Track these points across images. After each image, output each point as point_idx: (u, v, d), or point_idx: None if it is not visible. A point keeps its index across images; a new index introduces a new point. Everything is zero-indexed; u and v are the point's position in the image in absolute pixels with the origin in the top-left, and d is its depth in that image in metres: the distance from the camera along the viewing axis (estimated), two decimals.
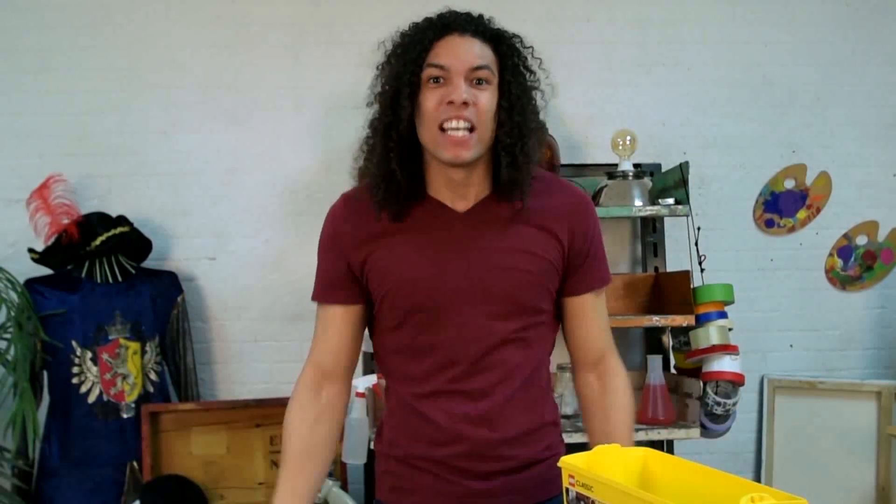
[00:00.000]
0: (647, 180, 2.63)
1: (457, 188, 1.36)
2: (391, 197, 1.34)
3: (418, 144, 1.35)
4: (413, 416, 1.38)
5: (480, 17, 1.35)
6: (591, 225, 1.43)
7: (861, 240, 2.93)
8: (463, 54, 1.28)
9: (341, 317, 1.42)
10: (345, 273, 1.39)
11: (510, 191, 1.36)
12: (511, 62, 1.33)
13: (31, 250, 2.51)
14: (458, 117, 1.27)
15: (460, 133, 1.28)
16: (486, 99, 1.29)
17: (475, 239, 1.35)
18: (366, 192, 1.38)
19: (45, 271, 2.53)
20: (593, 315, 1.45)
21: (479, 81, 1.29)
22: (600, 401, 1.44)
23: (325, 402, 1.44)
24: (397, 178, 1.33)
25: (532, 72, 1.37)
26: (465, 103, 1.26)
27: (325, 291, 1.43)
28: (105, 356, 2.45)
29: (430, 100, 1.28)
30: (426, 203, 1.38)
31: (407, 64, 1.29)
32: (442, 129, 1.28)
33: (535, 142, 1.35)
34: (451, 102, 1.26)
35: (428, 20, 1.33)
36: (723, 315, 2.40)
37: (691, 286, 2.40)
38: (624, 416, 1.41)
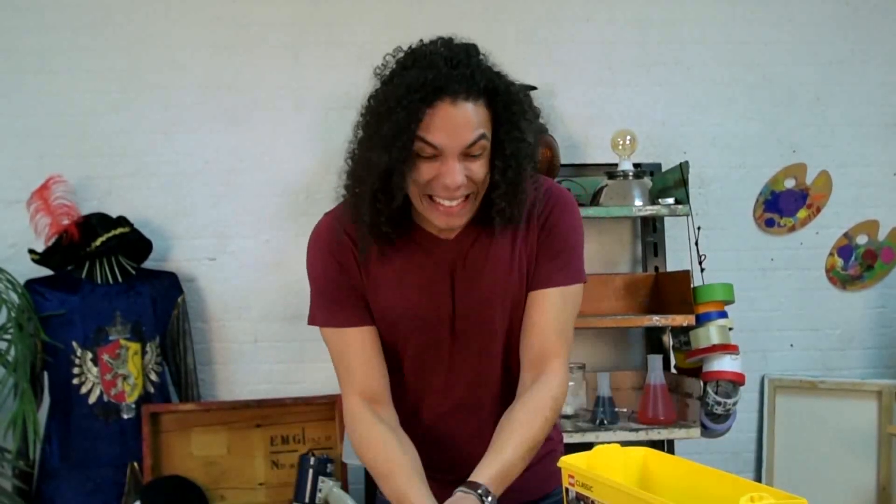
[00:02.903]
0: (647, 180, 2.63)
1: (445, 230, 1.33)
2: (377, 240, 1.31)
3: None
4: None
5: (470, 60, 1.22)
6: (559, 219, 1.36)
7: (861, 239, 2.93)
8: (457, 131, 1.19)
9: (369, 336, 1.35)
10: (353, 289, 1.35)
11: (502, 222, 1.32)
12: (505, 116, 1.25)
13: (31, 251, 2.51)
14: (452, 197, 1.23)
15: (454, 204, 1.23)
16: (482, 168, 1.24)
17: (463, 267, 1.34)
18: (350, 223, 1.33)
19: (45, 272, 2.53)
20: (549, 311, 1.34)
21: (475, 153, 1.22)
22: (514, 407, 1.31)
23: (389, 422, 1.33)
24: (384, 230, 1.29)
25: (528, 120, 1.29)
26: (460, 186, 1.22)
27: (342, 313, 1.34)
28: (105, 357, 2.45)
29: (422, 174, 1.22)
30: (412, 231, 1.34)
31: (397, 139, 1.19)
32: (430, 198, 1.24)
33: (528, 190, 1.30)
34: (445, 186, 1.21)
35: (417, 78, 1.19)
36: (723, 315, 2.40)
37: (691, 286, 2.41)
38: (518, 438, 1.25)
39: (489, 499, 1.16)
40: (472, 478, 1.19)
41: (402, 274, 1.33)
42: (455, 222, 1.26)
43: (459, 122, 1.19)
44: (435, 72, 1.19)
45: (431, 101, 1.18)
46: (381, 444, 1.27)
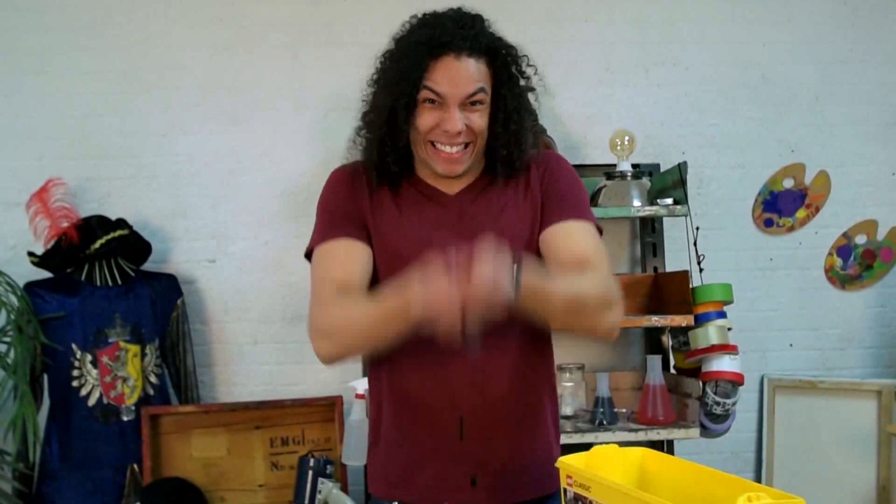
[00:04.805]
0: (645, 180, 2.63)
1: (447, 181, 1.42)
2: (384, 180, 1.41)
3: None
4: (402, 407, 1.39)
5: (475, 23, 1.34)
6: (556, 170, 1.43)
7: (860, 239, 2.92)
8: (458, 82, 1.30)
9: (358, 247, 1.37)
10: (356, 214, 1.40)
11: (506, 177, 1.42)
12: (506, 75, 1.36)
13: (30, 254, 2.50)
14: (452, 144, 1.32)
15: (454, 151, 1.33)
16: (480, 118, 1.34)
17: (466, 219, 1.39)
18: (361, 170, 1.43)
19: (44, 275, 2.53)
20: (570, 236, 1.37)
21: (474, 103, 1.32)
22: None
23: None
24: (390, 168, 1.39)
25: (527, 78, 1.40)
26: (460, 132, 1.31)
27: (336, 229, 1.38)
28: (105, 359, 2.45)
29: (425, 120, 1.32)
30: (416, 184, 1.42)
31: (403, 85, 1.32)
32: (433, 144, 1.34)
33: (529, 141, 1.40)
34: (446, 131, 1.31)
35: (426, 34, 1.32)
36: (722, 315, 2.40)
37: (690, 286, 2.41)
38: (568, 281, 1.25)
39: (517, 267, 1.12)
40: None
41: (407, 222, 1.39)
42: (456, 168, 1.35)
43: (461, 75, 1.30)
44: (442, 29, 1.31)
45: (437, 55, 1.30)
46: (347, 301, 1.29)
